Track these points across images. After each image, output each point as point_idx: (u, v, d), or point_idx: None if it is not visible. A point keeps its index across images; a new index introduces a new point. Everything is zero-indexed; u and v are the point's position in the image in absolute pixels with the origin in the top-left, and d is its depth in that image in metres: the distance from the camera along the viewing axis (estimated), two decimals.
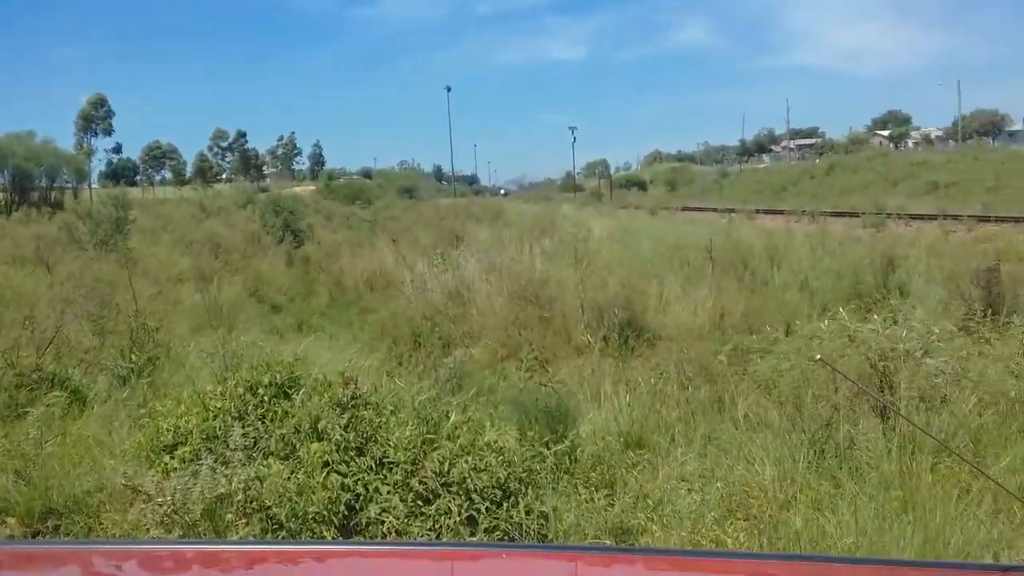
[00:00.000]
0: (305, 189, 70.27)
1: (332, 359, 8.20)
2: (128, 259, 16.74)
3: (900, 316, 6.63)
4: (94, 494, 4.86)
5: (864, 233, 22.37)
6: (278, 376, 5.39)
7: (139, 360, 7.73)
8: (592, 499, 4.83)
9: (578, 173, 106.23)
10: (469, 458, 4.57)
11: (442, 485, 4.45)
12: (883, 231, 23.20)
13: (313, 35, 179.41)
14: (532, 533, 4.31)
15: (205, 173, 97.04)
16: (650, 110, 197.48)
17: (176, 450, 4.86)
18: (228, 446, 4.70)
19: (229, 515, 4.21)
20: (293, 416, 4.99)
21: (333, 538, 4.14)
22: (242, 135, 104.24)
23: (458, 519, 4.28)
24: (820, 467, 5.08)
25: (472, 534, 4.22)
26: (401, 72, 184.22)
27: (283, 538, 4.08)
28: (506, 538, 4.23)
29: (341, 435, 4.72)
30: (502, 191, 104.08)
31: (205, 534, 4.06)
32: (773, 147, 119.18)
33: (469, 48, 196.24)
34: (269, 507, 4.30)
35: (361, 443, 4.73)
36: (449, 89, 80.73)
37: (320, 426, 4.85)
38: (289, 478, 4.46)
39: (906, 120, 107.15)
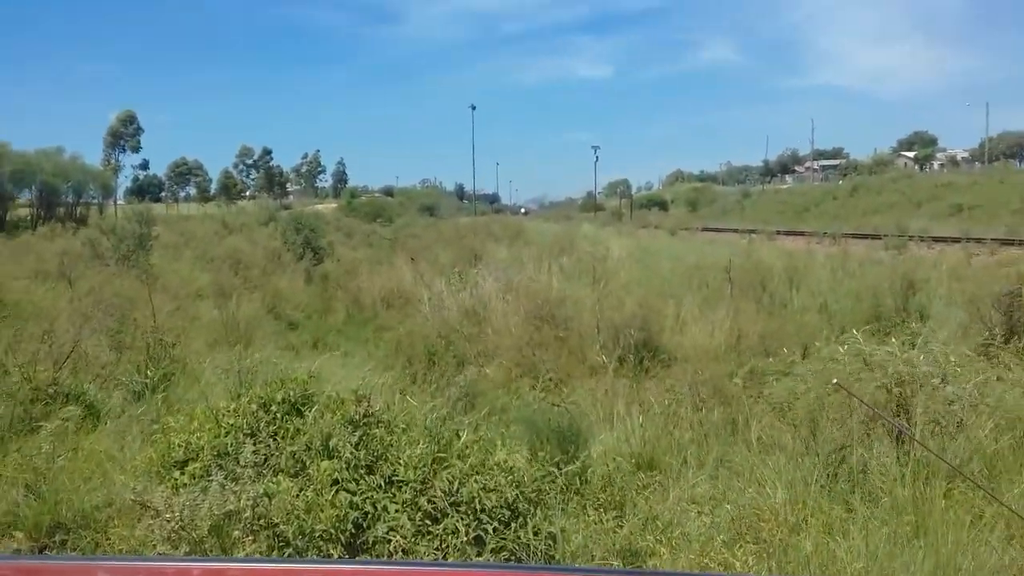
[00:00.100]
0: (327, 207, 70.71)
1: (346, 377, 8.22)
2: (149, 275, 16.91)
3: (919, 340, 6.56)
4: (103, 509, 4.88)
5: (886, 255, 22.21)
6: (291, 393, 5.40)
7: (154, 375, 7.78)
8: (601, 520, 4.80)
9: (599, 192, 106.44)
10: (479, 477, 4.56)
11: (451, 504, 4.43)
12: (905, 253, 23.01)
13: (339, 54, 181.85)
14: (539, 554, 4.29)
15: (229, 190, 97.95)
16: (673, 130, 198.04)
17: (187, 466, 4.87)
18: (239, 462, 4.71)
19: (236, 532, 4.21)
20: (305, 433, 5.00)
21: (340, 556, 4.13)
22: (267, 152, 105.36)
23: (465, 539, 4.26)
24: (832, 491, 5.02)
25: (479, 554, 4.20)
26: (425, 91, 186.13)
27: (289, 556, 4.08)
28: (513, 559, 4.21)
29: (352, 453, 4.72)
30: (522, 210, 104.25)
31: (212, 551, 4.07)
32: (797, 168, 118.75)
33: (493, 66, 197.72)
34: (276, 524, 4.30)
35: (371, 461, 4.72)
36: (474, 108, 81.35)
37: (331, 444, 4.85)
38: (298, 496, 4.46)
39: (932, 141, 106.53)
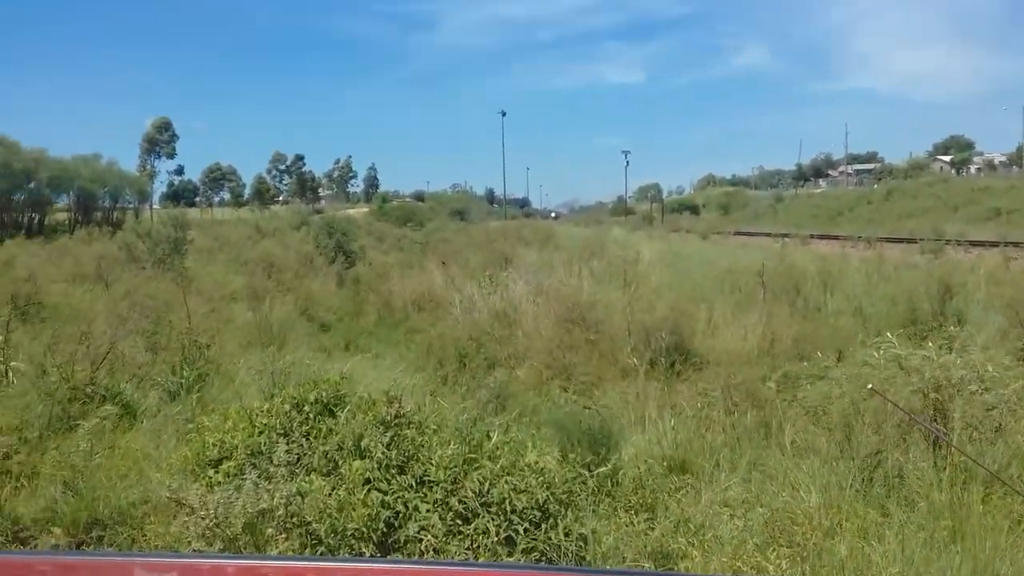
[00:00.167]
0: (359, 211, 71.22)
1: (378, 378, 8.27)
2: (184, 278, 17.11)
3: (956, 344, 6.45)
4: (139, 506, 4.94)
5: (922, 259, 21.90)
6: (324, 394, 5.44)
7: (189, 376, 7.88)
8: (632, 522, 4.78)
9: (630, 197, 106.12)
10: (510, 478, 4.56)
11: (481, 505, 4.43)
12: (941, 257, 22.67)
13: (372, 60, 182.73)
14: (570, 555, 4.27)
15: (263, 195, 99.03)
16: (704, 134, 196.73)
17: (221, 464, 4.92)
18: (272, 462, 4.75)
19: (270, 530, 4.25)
20: (337, 433, 5.03)
21: (371, 555, 4.15)
22: (300, 158, 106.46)
23: (496, 539, 4.26)
24: (868, 495, 4.96)
25: (510, 554, 4.20)
26: (456, 96, 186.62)
27: (321, 554, 4.10)
28: (544, 559, 4.20)
29: (383, 453, 4.74)
30: (553, 214, 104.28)
31: (245, 548, 4.11)
32: (830, 172, 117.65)
33: (525, 72, 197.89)
34: (309, 523, 4.33)
35: (403, 461, 4.74)
36: (504, 114, 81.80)
37: (363, 444, 4.87)
38: (330, 494, 4.49)
39: (968, 145, 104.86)
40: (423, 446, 4.87)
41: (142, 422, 6.65)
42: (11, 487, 5.30)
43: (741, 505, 5.08)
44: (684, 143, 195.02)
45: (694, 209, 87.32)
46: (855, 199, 67.38)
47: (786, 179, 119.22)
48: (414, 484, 4.58)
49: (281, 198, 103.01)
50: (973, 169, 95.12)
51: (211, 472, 4.86)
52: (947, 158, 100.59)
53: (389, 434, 4.89)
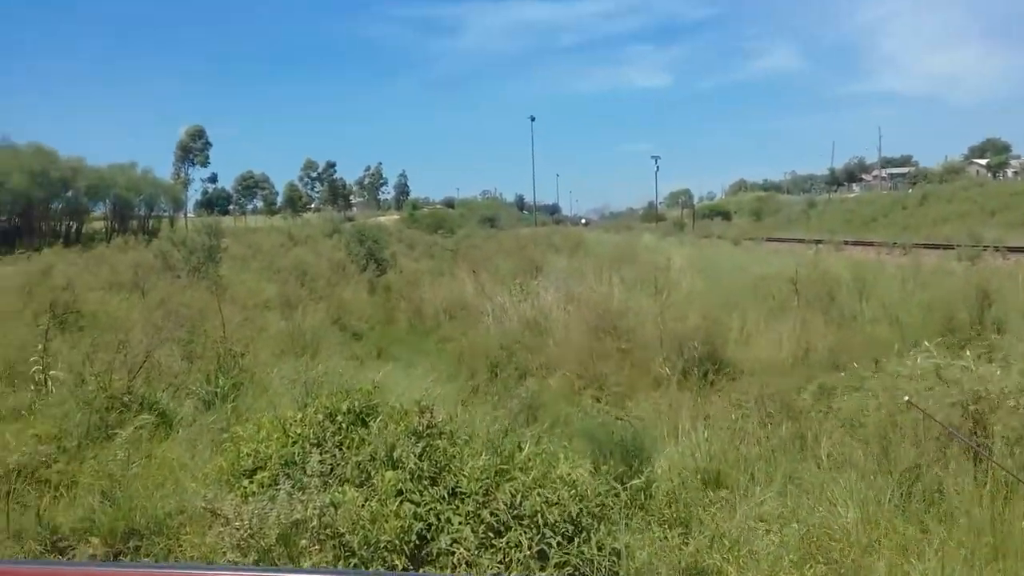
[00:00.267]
0: (389, 218, 71.66)
1: (409, 387, 8.28)
2: (218, 286, 17.31)
3: (997, 354, 6.33)
4: (175, 516, 4.99)
5: (959, 266, 21.52)
6: (356, 404, 5.45)
7: (224, 385, 7.96)
8: (666, 537, 4.73)
9: (661, 202, 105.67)
10: (542, 491, 4.53)
11: (514, 518, 4.41)
12: (979, 264, 22.27)
13: (400, 67, 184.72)
14: (604, 570, 4.24)
15: (295, 202, 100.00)
16: (735, 138, 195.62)
17: (255, 475, 4.95)
18: (305, 472, 4.77)
19: (303, 541, 4.26)
20: (369, 444, 5.04)
21: (404, 568, 4.15)
22: (331, 165, 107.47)
23: (528, 552, 4.24)
24: (907, 511, 4.87)
25: (542, 568, 4.17)
26: (484, 102, 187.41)
27: (354, 567, 4.11)
28: (577, 574, 4.17)
29: (415, 464, 4.74)
30: (583, 220, 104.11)
31: (279, 559, 4.12)
32: (864, 176, 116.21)
33: (552, 77, 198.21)
34: (342, 534, 4.33)
35: (435, 472, 4.74)
36: (533, 119, 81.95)
37: (395, 454, 4.87)
38: (363, 505, 4.49)
39: (1005, 148, 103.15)
40: (455, 457, 4.86)
41: (178, 431, 6.72)
42: (50, 496, 5.38)
43: (777, 520, 5.02)
44: (713, 147, 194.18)
45: (725, 215, 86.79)
46: (890, 204, 66.47)
47: (819, 184, 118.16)
48: (446, 496, 4.57)
49: (313, 205, 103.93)
50: (1010, 172, 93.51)
51: (246, 482, 4.89)
52: (983, 161, 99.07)
53: (421, 444, 4.89)
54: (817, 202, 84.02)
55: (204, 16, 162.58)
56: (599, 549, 4.35)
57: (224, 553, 4.18)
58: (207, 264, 21.49)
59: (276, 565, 4.02)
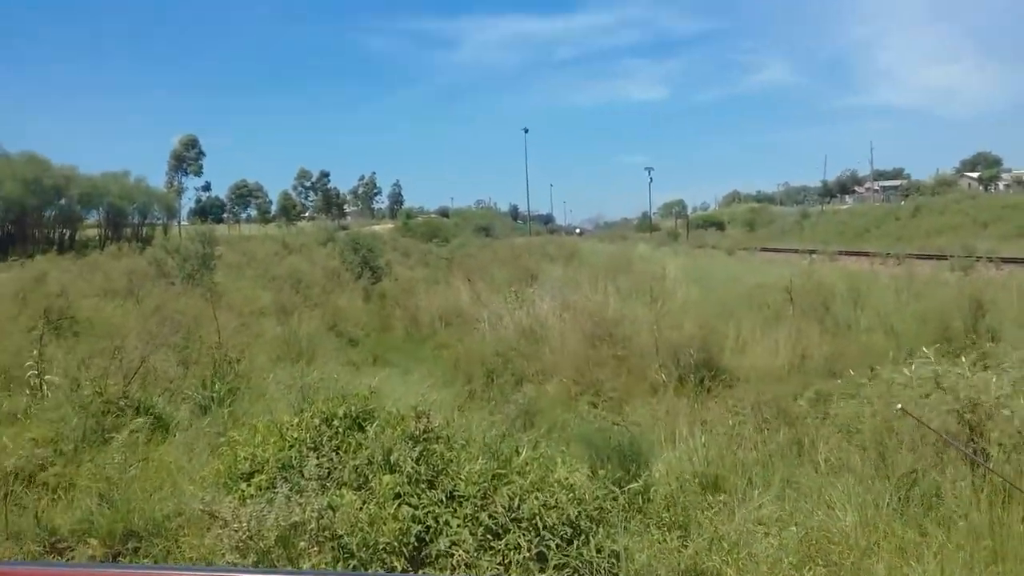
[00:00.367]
0: (384, 227, 71.66)
1: (406, 393, 8.27)
2: (213, 293, 17.28)
3: (991, 362, 6.36)
4: (173, 518, 4.98)
5: (952, 276, 21.61)
6: (353, 408, 5.45)
7: (220, 390, 7.95)
8: (665, 540, 4.74)
9: (655, 213, 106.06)
10: (540, 494, 4.54)
11: (512, 520, 4.41)
12: (972, 274, 22.35)
13: (396, 78, 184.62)
14: (603, 572, 4.24)
15: (289, 211, 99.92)
16: (729, 150, 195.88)
17: (253, 478, 4.94)
18: (303, 475, 4.76)
19: (302, 543, 4.25)
20: (366, 448, 5.03)
21: (403, 569, 4.14)
22: (325, 175, 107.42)
23: (528, 555, 4.23)
24: (905, 514, 4.88)
25: (542, 570, 4.17)
26: (479, 113, 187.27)
27: (353, 568, 4.10)
28: None
29: (413, 468, 4.74)
30: (577, 230, 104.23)
31: (278, 561, 4.11)
32: (856, 188, 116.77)
33: (547, 90, 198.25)
34: (341, 536, 4.33)
35: (432, 476, 4.74)
36: (526, 130, 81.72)
37: (392, 458, 4.87)
38: (361, 508, 4.49)
39: (996, 162, 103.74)
40: (452, 461, 4.86)
41: (174, 435, 6.70)
42: (48, 498, 5.36)
43: (775, 523, 5.02)
44: (708, 159, 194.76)
45: (719, 225, 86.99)
46: (882, 215, 66.76)
47: (812, 195, 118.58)
48: (444, 499, 4.57)
49: (307, 214, 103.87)
50: (1002, 186, 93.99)
51: (243, 485, 4.88)
52: (975, 174, 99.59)
53: (418, 449, 4.89)
54: (810, 213, 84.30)
55: (199, 26, 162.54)
56: (598, 552, 4.35)
57: (223, 555, 4.17)
58: (201, 271, 21.47)
59: (275, 567, 4.01)
